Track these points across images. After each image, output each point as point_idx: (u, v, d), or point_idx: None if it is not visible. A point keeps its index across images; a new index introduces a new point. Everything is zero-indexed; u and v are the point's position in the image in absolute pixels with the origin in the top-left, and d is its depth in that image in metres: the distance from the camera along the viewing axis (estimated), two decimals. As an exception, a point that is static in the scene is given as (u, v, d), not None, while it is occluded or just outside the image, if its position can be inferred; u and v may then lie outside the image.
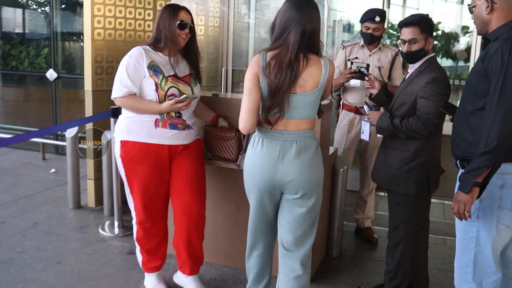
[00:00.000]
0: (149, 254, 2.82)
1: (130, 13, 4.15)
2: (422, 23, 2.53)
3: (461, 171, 2.11)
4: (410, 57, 2.59)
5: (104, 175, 3.99)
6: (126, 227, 3.75)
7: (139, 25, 4.27)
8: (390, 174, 2.62)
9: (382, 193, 4.64)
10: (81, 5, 5.90)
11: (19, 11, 6.99)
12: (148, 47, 2.60)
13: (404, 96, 2.58)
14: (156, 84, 2.54)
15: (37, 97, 6.79)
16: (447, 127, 2.44)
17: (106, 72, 4.04)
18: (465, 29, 7.51)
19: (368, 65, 3.39)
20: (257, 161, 2.20)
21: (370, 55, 3.61)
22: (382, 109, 2.69)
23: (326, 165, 3.19)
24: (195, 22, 3.91)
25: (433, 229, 3.56)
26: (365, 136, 2.97)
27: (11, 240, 3.52)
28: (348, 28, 4.93)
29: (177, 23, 2.55)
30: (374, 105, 2.77)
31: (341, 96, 3.81)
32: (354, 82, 3.51)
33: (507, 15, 2.02)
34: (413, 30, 2.54)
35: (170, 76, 2.58)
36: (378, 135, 2.74)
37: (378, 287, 2.86)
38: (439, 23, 5.95)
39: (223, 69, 4.24)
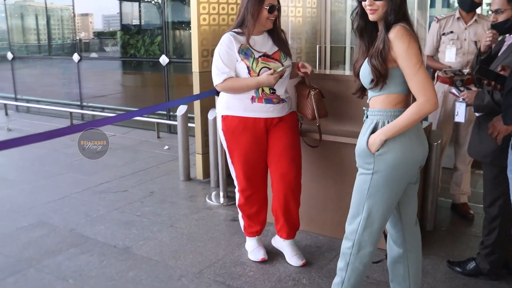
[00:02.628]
0: (250, 220, 3.06)
1: (233, -2, 4.44)
2: None
3: None
4: (497, 28, 2.53)
5: (210, 150, 4.34)
6: (230, 197, 4.07)
7: (241, 9, 4.52)
8: (492, 148, 2.54)
9: (480, 171, 4.48)
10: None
11: (135, 4, 7.68)
12: (235, 31, 2.78)
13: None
14: (248, 67, 2.74)
15: (152, 82, 7.46)
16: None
17: (211, 54, 4.34)
18: None
19: (460, 70, 3.19)
20: (416, 145, 2.07)
21: (465, 28, 3.51)
22: (474, 88, 2.61)
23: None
24: (293, 4, 4.09)
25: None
26: (460, 118, 2.81)
27: (132, 206, 4.02)
28: (448, 3, 4.78)
29: (268, 7, 2.69)
30: (465, 86, 2.70)
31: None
32: (449, 57, 3.46)
33: None
34: (500, 0, 2.47)
35: (260, 56, 2.76)
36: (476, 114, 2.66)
37: (468, 261, 2.85)
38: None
39: (317, 46, 4.38)
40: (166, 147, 5.89)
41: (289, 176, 2.86)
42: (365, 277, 2.30)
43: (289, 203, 2.92)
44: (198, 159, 4.65)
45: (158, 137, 6.44)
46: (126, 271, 2.95)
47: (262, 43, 2.81)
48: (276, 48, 2.83)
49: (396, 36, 1.91)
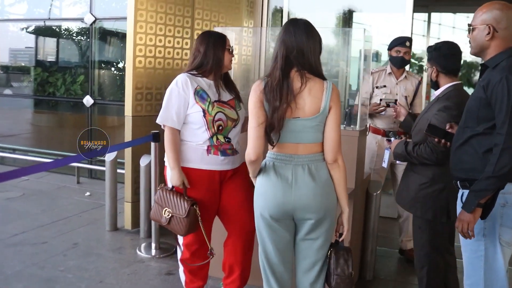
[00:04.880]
0: (193, 275, 2.87)
1: (169, 42, 4.35)
2: (428, 53, 2.69)
3: (462, 191, 2.19)
4: (432, 86, 2.74)
5: (141, 198, 4.10)
6: (162, 249, 3.84)
7: (177, 53, 4.45)
8: (410, 197, 2.68)
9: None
10: (116, 35, 6.21)
11: (55, 40, 7.28)
12: (191, 73, 2.69)
13: (421, 123, 2.65)
14: (203, 110, 2.63)
15: (71, 123, 7.01)
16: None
17: (145, 98, 4.21)
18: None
19: (396, 101, 3.54)
20: (272, 185, 2.17)
21: (397, 84, 3.77)
22: (404, 138, 2.79)
23: (360, 189, 3.28)
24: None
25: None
26: (385, 164, 3.13)
27: (54, 260, 3.64)
28: (376, 56, 5.09)
29: (230, 49, 2.70)
30: (400, 135, 2.87)
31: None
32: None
33: (506, 43, 2.09)
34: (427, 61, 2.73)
35: (216, 101, 2.68)
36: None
37: None
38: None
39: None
40: (88, 193, 5.49)
41: (248, 227, 2.73)
42: None
43: (247, 255, 2.80)
44: (127, 208, 4.36)
45: (78, 182, 5.99)
46: (52, 338, 2.62)
47: (216, 90, 2.72)
48: (230, 96, 2.76)
49: None
